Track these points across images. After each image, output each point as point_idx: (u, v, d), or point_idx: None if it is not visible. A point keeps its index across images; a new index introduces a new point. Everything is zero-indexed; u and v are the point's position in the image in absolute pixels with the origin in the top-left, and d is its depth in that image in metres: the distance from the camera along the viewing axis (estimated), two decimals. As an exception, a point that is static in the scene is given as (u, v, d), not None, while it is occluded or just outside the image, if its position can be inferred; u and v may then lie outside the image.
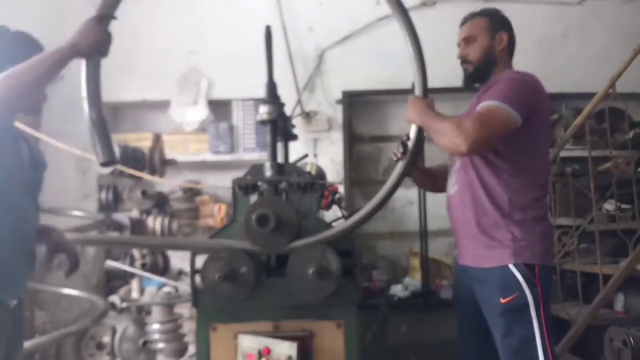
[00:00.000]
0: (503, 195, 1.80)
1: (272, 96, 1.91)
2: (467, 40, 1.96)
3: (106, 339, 3.07)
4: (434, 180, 2.15)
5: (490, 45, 1.93)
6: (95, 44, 1.41)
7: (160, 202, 3.21)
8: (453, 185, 1.96)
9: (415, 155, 1.89)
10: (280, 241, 1.71)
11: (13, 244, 1.34)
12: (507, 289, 1.75)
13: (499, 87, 1.81)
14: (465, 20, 2.00)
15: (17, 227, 1.37)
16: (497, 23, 1.96)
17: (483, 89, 1.94)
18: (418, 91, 1.89)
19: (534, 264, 1.77)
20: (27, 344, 2.56)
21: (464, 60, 1.97)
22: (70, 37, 1.38)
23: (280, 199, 1.81)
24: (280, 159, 1.96)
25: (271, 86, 1.92)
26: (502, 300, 1.75)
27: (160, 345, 2.63)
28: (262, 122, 1.91)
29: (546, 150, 1.93)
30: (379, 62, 3.75)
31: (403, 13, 1.85)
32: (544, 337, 1.72)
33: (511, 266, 1.76)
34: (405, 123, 2.02)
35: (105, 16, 1.45)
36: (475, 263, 1.87)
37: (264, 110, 1.89)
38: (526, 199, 1.82)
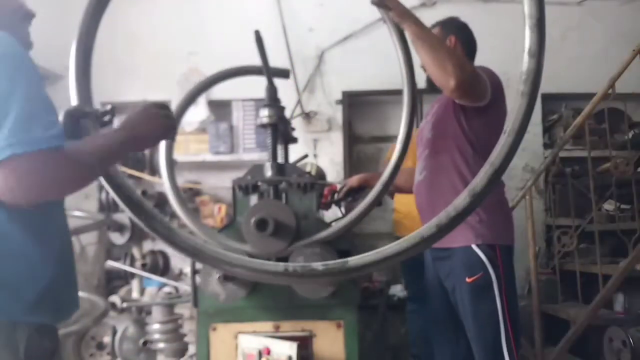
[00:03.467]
0: (468, 177, 1.89)
1: (273, 99, 1.91)
2: None
3: (107, 339, 3.07)
4: (395, 185, 2.21)
5: None
6: (160, 134, 1.24)
7: (160, 203, 3.21)
8: (421, 171, 2.05)
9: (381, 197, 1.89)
10: (280, 244, 1.71)
11: (66, 258, 1.24)
12: (472, 268, 1.88)
13: None
14: None
15: (64, 235, 1.26)
16: (447, 29, 2.11)
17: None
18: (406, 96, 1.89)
19: (495, 244, 1.89)
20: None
21: (423, 68, 2.07)
22: (127, 121, 1.20)
23: (278, 202, 1.82)
24: (280, 160, 1.96)
25: (271, 89, 1.92)
26: (468, 280, 1.87)
27: (161, 345, 2.63)
28: (263, 126, 1.91)
29: (497, 132, 2.07)
30: (379, 62, 3.75)
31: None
32: (505, 312, 1.86)
33: (474, 247, 1.88)
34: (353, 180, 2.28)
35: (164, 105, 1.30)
36: (441, 244, 1.90)
37: (264, 114, 1.89)
38: None
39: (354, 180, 2.31)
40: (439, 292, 2.06)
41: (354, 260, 1.18)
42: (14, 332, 1.08)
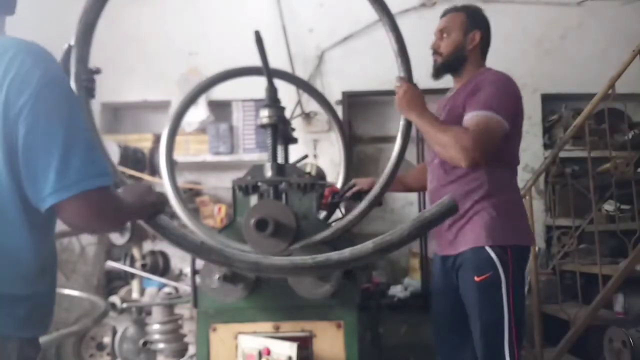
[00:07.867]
0: (481, 178, 1.88)
1: (273, 100, 1.91)
2: (441, 33, 2.01)
3: (106, 340, 3.08)
4: (405, 185, 2.30)
5: (462, 41, 1.98)
6: (156, 205, 1.38)
7: (160, 203, 3.21)
8: (432, 181, 2.03)
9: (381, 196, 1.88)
10: (280, 244, 1.71)
11: (55, 276, 1.24)
12: (481, 268, 1.85)
13: (485, 93, 1.85)
14: (445, 13, 2.05)
15: (55, 254, 1.25)
16: (473, 21, 2.00)
17: (461, 86, 1.99)
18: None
19: (507, 245, 1.85)
20: (28, 344, 2.57)
21: (435, 51, 2.02)
22: (135, 197, 1.31)
23: (278, 202, 1.82)
24: (280, 161, 1.97)
25: (271, 90, 1.92)
26: (477, 279, 1.84)
27: (161, 345, 2.63)
28: (263, 126, 1.91)
29: (518, 136, 2.00)
30: (379, 63, 3.75)
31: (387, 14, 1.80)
32: (510, 314, 1.82)
33: (487, 248, 1.84)
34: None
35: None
36: (455, 250, 1.94)
37: (264, 114, 1.89)
38: (502, 182, 1.91)
39: (365, 182, 2.21)
40: (446, 295, 2.02)
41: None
42: (6, 345, 1.10)
